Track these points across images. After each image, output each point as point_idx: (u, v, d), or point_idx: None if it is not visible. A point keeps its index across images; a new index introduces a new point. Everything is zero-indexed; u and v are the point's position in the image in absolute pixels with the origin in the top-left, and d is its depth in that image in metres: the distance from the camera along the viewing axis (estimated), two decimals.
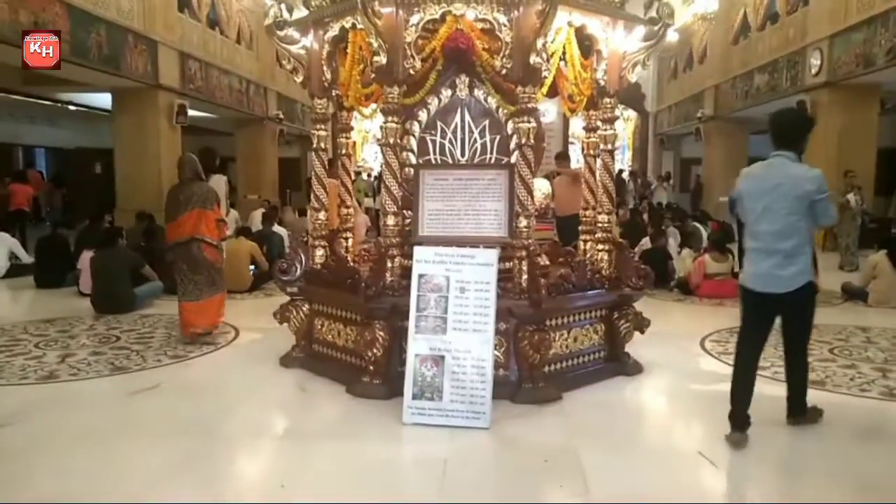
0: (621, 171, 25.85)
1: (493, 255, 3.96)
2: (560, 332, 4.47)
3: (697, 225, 12.49)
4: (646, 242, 8.75)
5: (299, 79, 4.89)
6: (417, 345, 3.84)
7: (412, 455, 3.58)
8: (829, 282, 8.24)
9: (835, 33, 13.40)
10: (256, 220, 12.62)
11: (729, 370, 5.03)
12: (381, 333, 4.16)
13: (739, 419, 3.62)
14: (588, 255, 5.39)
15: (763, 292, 3.62)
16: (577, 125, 21.44)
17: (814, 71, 14.22)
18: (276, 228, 10.62)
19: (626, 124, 25.86)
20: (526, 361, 4.17)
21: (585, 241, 5.46)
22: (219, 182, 7.07)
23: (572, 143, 21.99)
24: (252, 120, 18.98)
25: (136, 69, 12.90)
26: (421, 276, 3.92)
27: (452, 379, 3.78)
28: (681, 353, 5.43)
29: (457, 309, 3.85)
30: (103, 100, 15.03)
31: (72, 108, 17.89)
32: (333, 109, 5.40)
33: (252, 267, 8.48)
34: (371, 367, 4.27)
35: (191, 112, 16.47)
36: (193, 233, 5.67)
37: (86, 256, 7.74)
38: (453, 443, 3.57)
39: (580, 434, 3.71)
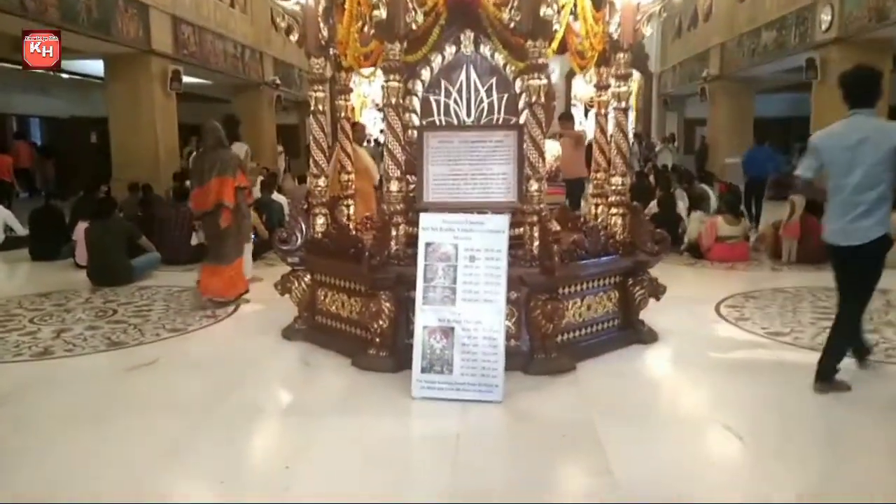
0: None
1: (503, 221, 3.76)
2: (573, 300, 4.28)
3: (705, 187, 12.25)
4: (653, 206, 8.53)
5: (295, 37, 4.63)
6: (426, 316, 3.66)
7: (422, 431, 3.42)
8: None
9: None
10: (255, 188, 12.40)
11: (747, 335, 4.91)
12: (387, 304, 3.98)
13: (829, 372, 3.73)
14: (600, 220, 5.20)
15: (844, 245, 3.63)
16: (579, 86, 21.17)
17: (824, 27, 13.81)
18: (276, 196, 10.39)
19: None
20: (538, 331, 3.99)
21: (597, 205, 5.26)
22: (240, 149, 6.89)
23: (574, 105, 21.67)
24: (248, 86, 18.59)
25: (128, 34, 12.54)
26: (428, 244, 3.73)
27: (463, 351, 3.61)
28: (696, 320, 5.25)
29: (466, 278, 3.66)
30: (96, 67, 14.68)
31: (64, 76, 17.50)
32: (332, 71, 5.14)
33: (252, 236, 8.26)
34: (377, 340, 4.10)
35: (185, 78, 16.13)
36: (217, 200, 5.64)
37: (81, 228, 7.53)
38: (465, 418, 3.41)
39: (597, 406, 3.55)
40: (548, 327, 3.95)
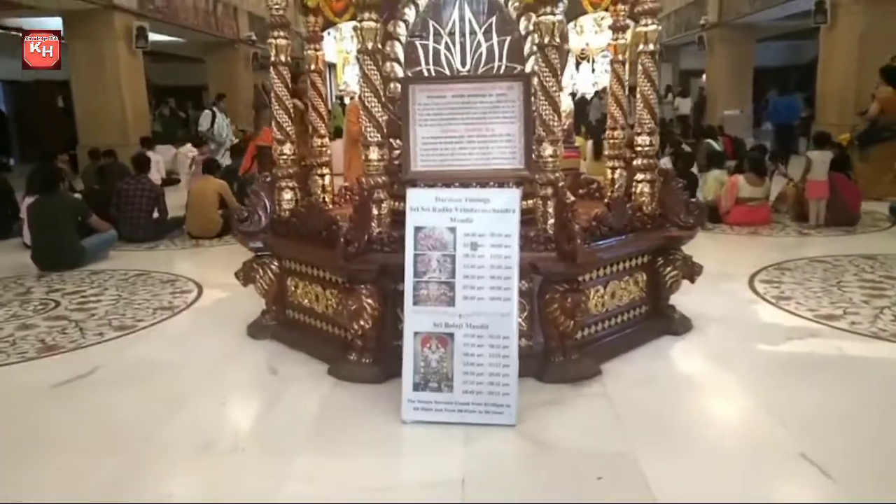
0: (598, 93, 24.60)
1: (513, 197, 2.97)
2: (595, 288, 3.54)
3: (711, 142, 11.49)
4: (665, 163, 7.73)
5: None
6: (417, 320, 2.89)
7: (416, 474, 2.64)
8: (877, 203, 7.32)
9: None
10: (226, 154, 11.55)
11: (795, 319, 4.20)
12: (369, 301, 3.22)
13: None
14: (617, 185, 4.43)
15: None
16: (573, 39, 20.11)
17: None
18: None
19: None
20: (556, 329, 3.25)
21: (613, 169, 4.47)
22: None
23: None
24: (222, 43, 17.49)
25: None
26: (418, 229, 2.94)
27: (465, 363, 2.86)
28: (730, 300, 4.52)
29: (468, 271, 2.88)
30: (57, 25, 13.57)
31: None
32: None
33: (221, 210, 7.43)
34: (358, 343, 3.35)
35: (154, 36, 15.04)
36: None
37: (27, 203, 6.69)
38: (470, 451, 2.68)
39: (635, 429, 2.83)
40: (567, 324, 3.21)
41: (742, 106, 17.61)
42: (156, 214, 7.25)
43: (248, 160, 8.74)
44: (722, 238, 6.59)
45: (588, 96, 18.95)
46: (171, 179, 11.94)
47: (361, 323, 3.23)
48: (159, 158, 11.77)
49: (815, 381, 3.30)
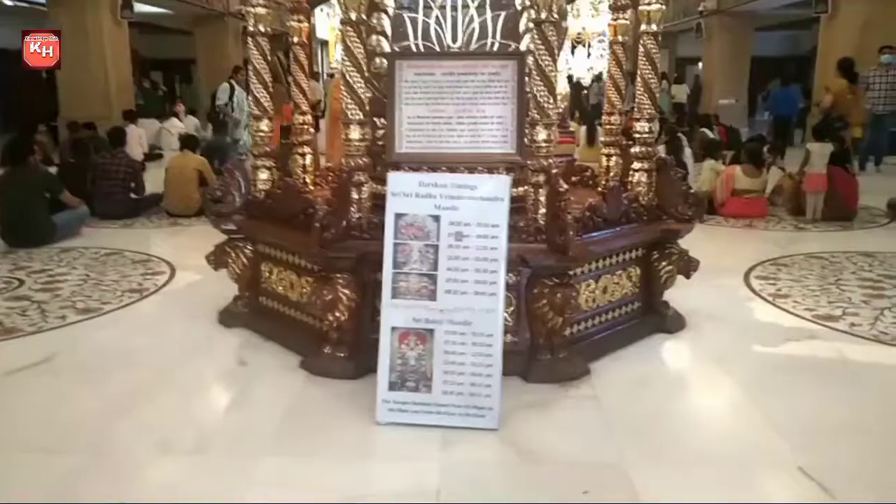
0: (598, 77, 24.33)
1: (503, 184, 2.75)
2: (586, 282, 3.34)
3: (706, 131, 11.29)
4: (660, 151, 7.51)
5: None
6: (395, 315, 2.68)
7: (388, 483, 2.42)
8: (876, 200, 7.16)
9: None
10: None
11: (792, 319, 4.03)
12: (346, 291, 3.01)
13: None
14: (612, 174, 4.22)
15: None
16: (569, 23, 19.76)
17: None
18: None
19: None
20: (543, 326, 3.06)
21: (609, 156, 4.26)
22: None
23: None
24: (212, 16, 17.07)
25: None
26: (399, 216, 2.72)
27: (445, 362, 2.66)
28: (725, 297, 4.34)
29: (451, 263, 2.67)
30: None
31: (7, 2, 15.82)
32: None
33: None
34: (334, 335, 3.15)
35: (141, 6, 14.64)
36: None
37: None
38: (448, 458, 2.49)
39: (623, 434, 2.65)
40: (556, 321, 3.02)
41: (738, 95, 17.40)
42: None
43: (274, 142, 8.41)
44: (717, 230, 6.40)
45: (583, 82, 18.70)
46: (153, 154, 11.61)
47: (337, 314, 3.02)
48: (142, 132, 11.45)
49: (815, 386, 3.13)
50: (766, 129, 14.60)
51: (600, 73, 22.43)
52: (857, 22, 12.34)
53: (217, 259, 3.77)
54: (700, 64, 20.78)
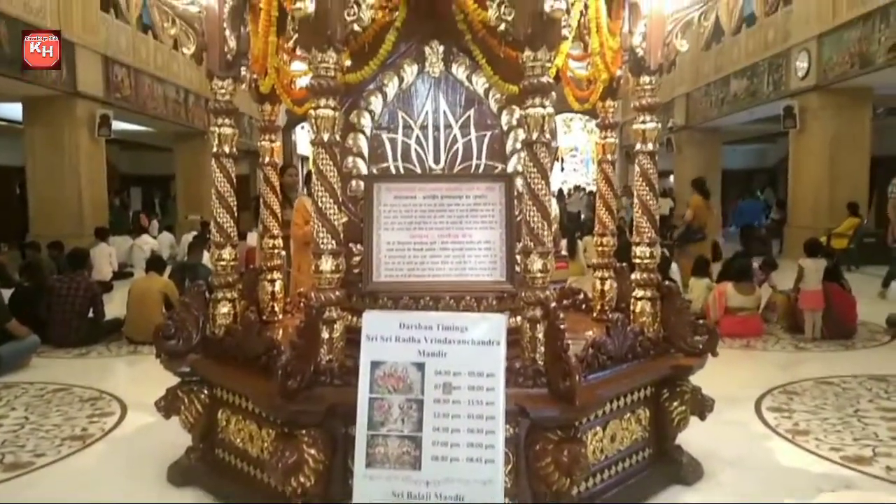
0: (577, 187, 24.88)
1: (498, 325, 2.37)
2: (593, 430, 2.91)
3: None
4: None
5: (189, 50, 3.26)
6: (370, 488, 2.22)
7: None
8: (870, 312, 6.91)
9: (823, 32, 12.35)
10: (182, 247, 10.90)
11: (820, 463, 3.59)
12: (312, 452, 2.54)
13: None
14: (608, 298, 3.89)
15: None
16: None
17: (801, 74, 13.16)
18: (206, 258, 8.79)
19: (589, 136, 24.80)
20: (548, 489, 2.59)
21: (603, 280, 3.94)
22: None
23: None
24: (192, 133, 17.19)
25: (49, 74, 11.05)
26: (376, 364, 2.31)
27: None
28: (740, 435, 3.91)
29: (439, 423, 2.24)
30: (16, 111, 13.13)
31: None
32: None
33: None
34: (298, 503, 2.64)
35: (124, 125, 14.72)
36: None
37: None
38: None
39: None
40: (563, 483, 2.56)
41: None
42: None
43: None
44: None
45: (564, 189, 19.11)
46: (124, 273, 11.18)
47: (301, 480, 2.54)
48: (112, 251, 11.06)
49: None
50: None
51: (578, 186, 22.91)
52: (825, 136, 12.69)
53: (168, 405, 3.28)
54: (671, 177, 21.23)
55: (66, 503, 3.16)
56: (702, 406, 3.27)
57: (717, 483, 3.27)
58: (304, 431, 2.57)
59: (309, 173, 3.71)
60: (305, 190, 6.50)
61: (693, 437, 3.47)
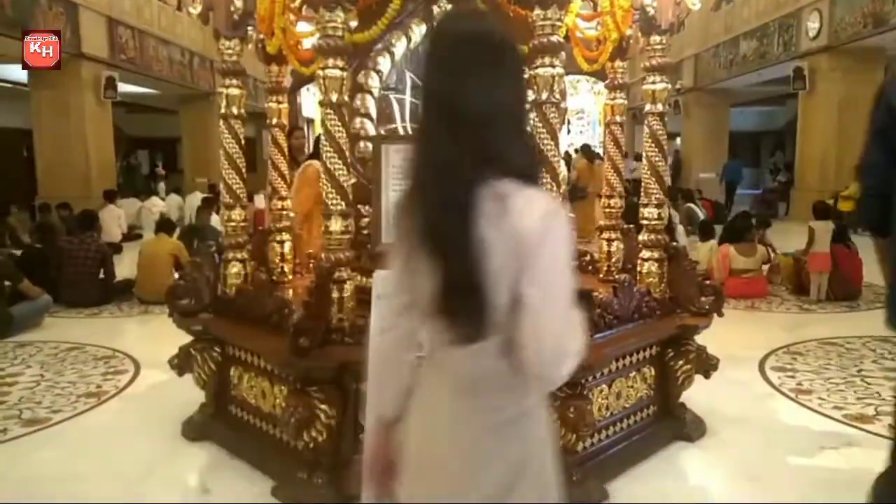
0: (586, 146, 24.59)
1: None
2: (599, 388, 2.96)
3: (693, 207, 11.19)
4: None
5: (196, 9, 3.24)
6: None
7: None
8: (876, 274, 6.90)
9: None
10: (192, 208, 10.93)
11: (822, 421, 3.66)
12: (323, 407, 2.60)
13: None
14: (614, 259, 3.91)
15: None
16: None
17: (811, 34, 12.94)
18: (215, 220, 8.83)
19: (596, 98, 24.54)
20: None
21: (609, 241, 3.95)
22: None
23: None
24: (197, 96, 17.07)
25: None
26: None
27: None
28: (743, 393, 3.97)
29: None
30: (22, 74, 13.04)
31: None
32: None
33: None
34: (310, 458, 2.72)
35: (128, 87, 14.60)
36: None
37: None
38: None
39: None
40: (569, 438, 2.62)
41: (718, 169, 17.58)
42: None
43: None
44: None
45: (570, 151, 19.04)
46: (133, 234, 11.23)
47: (313, 434, 2.60)
48: (121, 213, 11.12)
49: None
50: (751, 203, 14.88)
51: (576, 150, 22.72)
52: (834, 98, 12.52)
53: (181, 363, 3.35)
54: (678, 139, 21.05)
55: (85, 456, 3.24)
56: (706, 365, 3.32)
57: (718, 439, 3.34)
58: (315, 388, 2.63)
59: (318, 138, 3.67)
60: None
61: (697, 395, 3.52)
